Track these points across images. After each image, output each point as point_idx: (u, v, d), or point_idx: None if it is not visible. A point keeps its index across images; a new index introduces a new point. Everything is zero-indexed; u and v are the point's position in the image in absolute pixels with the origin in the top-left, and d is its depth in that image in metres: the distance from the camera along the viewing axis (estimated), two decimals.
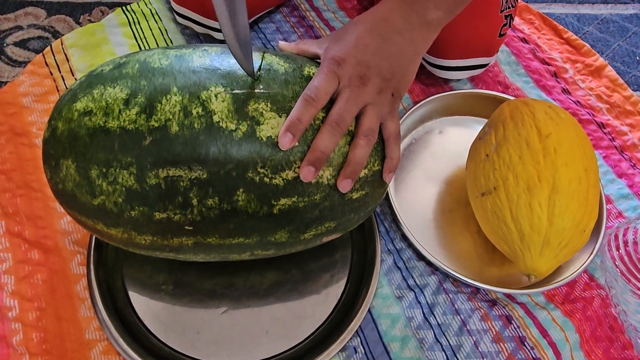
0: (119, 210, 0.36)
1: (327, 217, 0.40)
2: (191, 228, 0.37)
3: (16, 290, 0.47)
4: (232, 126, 0.35)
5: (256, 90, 0.37)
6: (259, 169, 0.36)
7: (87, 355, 0.44)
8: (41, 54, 0.63)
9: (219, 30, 0.62)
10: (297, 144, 0.36)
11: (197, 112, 0.35)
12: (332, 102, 0.39)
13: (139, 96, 0.36)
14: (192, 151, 0.35)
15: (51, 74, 0.62)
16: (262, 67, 0.38)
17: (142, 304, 0.47)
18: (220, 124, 0.35)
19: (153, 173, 0.35)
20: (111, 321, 0.44)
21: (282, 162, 0.36)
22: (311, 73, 0.40)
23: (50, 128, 0.38)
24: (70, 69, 0.62)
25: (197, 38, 0.66)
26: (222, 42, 0.66)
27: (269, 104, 0.36)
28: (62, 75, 0.62)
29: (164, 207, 0.36)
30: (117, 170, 0.35)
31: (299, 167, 0.37)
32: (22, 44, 0.68)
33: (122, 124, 0.35)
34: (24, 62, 0.66)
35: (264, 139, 0.36)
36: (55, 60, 0.63)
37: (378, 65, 0.41)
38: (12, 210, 0.51)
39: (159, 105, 0.35)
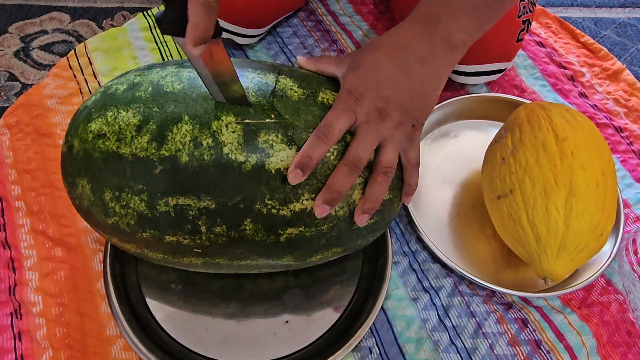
0: (131, 231, 0.38)
1: (334, 244, 0.40)
2: (200, 251, 0.38)
3: (40, 287, 0.48)
4: (242, 158, 0.35)
5: (267, 120, 0.36)
6: (266, 201, 0.36)
7: (108, 351, 0.46)
8: (65, 57, 0.65)
9: (240, 35, 0.63)
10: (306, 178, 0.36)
11: (207, 144, 0.35)
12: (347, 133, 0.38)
13: (151, 123, 0.36)
14: (201, 182, 0.35)
15: (75, 77, 0.63)
16: (275, 92, 0.38)
17: (154, 300, 0.47)
18: (230, 155, 0.35)
19: (163, 201, 0.36)
20: (123, 314, 0.45)
21: (290, 195, 0.36)
22: (325, 100, 0.39)
23: (68, 144, 0.39)
24: (93, 72, 0.64)
25: None
26: (240, 46, 0.67)
27: (279, 135, 0.36)
28: (85, 78, 0.63)
29: (174, 232, 0.37)
30: (129, 196, 0.36)
31: (306, 200, 0.37)
32: (47, 47, 0.70)
33: (133, 150, 0.36)
34: (48, 65, 0.68)
35: (273, 171, 0.36)
36: (78, 63, 0.64)
37: (398, 98, 0.39)
38: (36, 209, 0.53)
39: (170, 134, 0.36)
